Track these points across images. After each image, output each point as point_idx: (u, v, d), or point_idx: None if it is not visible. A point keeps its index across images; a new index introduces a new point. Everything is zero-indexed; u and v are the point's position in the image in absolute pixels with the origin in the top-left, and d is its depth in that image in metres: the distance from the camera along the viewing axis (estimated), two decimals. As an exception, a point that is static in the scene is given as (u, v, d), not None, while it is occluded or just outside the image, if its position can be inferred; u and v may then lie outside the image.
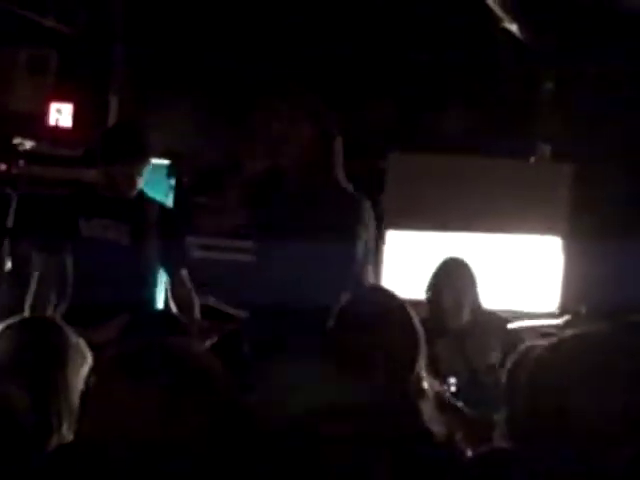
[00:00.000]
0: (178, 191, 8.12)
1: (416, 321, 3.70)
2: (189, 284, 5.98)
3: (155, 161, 7.38)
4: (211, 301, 6.75)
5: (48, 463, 2.94)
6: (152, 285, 6.05)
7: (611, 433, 2.69)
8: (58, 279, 5.86)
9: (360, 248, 5.35)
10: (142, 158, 5.80)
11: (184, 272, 5.97)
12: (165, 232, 5.88)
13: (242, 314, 6.34)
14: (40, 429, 3.38)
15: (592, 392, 2.74)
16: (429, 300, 6.10)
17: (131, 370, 2.52)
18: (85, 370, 3.72)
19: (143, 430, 2.43)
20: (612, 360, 2.78)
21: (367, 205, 5.42)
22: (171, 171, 8.14)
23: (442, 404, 4.24)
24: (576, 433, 2.70)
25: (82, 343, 3.84)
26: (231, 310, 6.75)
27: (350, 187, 5.42)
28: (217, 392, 2.53)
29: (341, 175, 5.38)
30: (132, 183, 5.77)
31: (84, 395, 3.07)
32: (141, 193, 5.93)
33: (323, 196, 5.38)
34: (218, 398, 2.53)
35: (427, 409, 3.62)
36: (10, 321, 4.28)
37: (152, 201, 6.06)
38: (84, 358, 3.74)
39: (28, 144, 6.43)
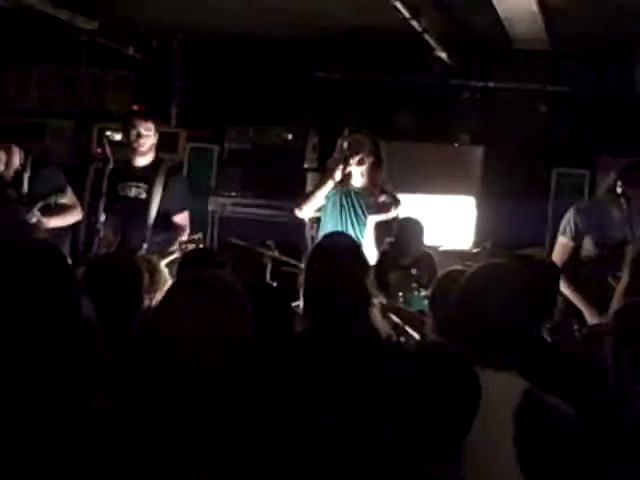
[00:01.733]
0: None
1: (364, 255, 3.77)
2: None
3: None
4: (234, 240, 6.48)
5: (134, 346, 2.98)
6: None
7: (509, 327, 2.80)
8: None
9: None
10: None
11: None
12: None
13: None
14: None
15: (498, 300, 2.84)
16: (390, 244, 6.25)
17: (190, 290, 2.63)
18: (158, 289, 3.87)
19: (199, 329, 2.46)
20: (509, 278, 2.95)
21: (400, 201, 6.12)
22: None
23: (388, 309, 4.57)
24: (489, 326, 2.78)
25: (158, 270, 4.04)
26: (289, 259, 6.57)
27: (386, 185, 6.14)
28: (243, 307, 2.57)
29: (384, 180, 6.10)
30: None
31: (160, 306, 3.13)
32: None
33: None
34: (244, 312, 2.56)
35: (375, 314, 3.61)
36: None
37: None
38: (155, 281, 3.87)
39: (115, 135, 6.21)
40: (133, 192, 6.04)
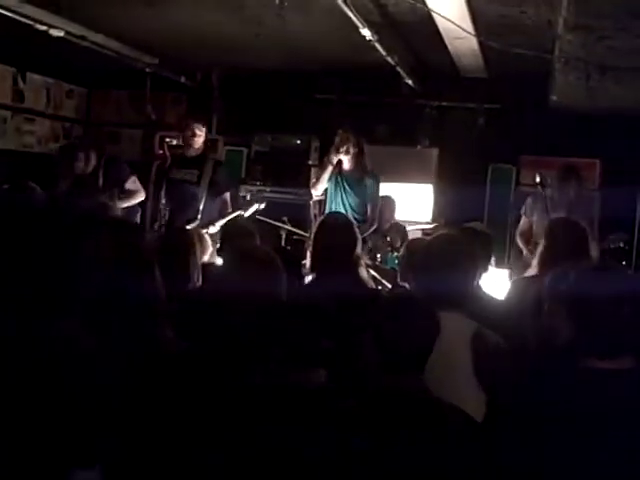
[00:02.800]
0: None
1: (355, 228, 3.76)
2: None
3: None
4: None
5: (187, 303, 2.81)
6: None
7: (458, 279, 2.84)
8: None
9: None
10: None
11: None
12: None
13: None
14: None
15: (450, 259, 2.88)
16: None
17: (242, 257, 2.51)
18: (206, 252, 3.93)
19: (247, 292, 2.34)
20: (458, 245, 3.02)
21: (379, 177, 6.17)
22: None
23: (369, 267, 4.60)
24: (443, 279, 2.79)
25: (203, 237, 4.11)
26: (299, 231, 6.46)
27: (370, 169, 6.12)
28: (279, 273, 2.46)
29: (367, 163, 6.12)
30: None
31: (206, 266, 3.44)
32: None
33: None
34: (280, 277, 2.46)
35: (362, 271, 3.65)
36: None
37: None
38: (203, 247, 3.87)
39: (173, 140, 5.93)
40: (187, 176, 5.96)
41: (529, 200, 6.15)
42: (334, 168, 6.15)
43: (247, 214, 5.91)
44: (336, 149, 6.10)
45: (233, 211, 5.87)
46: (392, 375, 2.29)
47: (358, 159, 6.14)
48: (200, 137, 6.00)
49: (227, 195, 6.07)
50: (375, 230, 6.16)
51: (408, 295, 2.78)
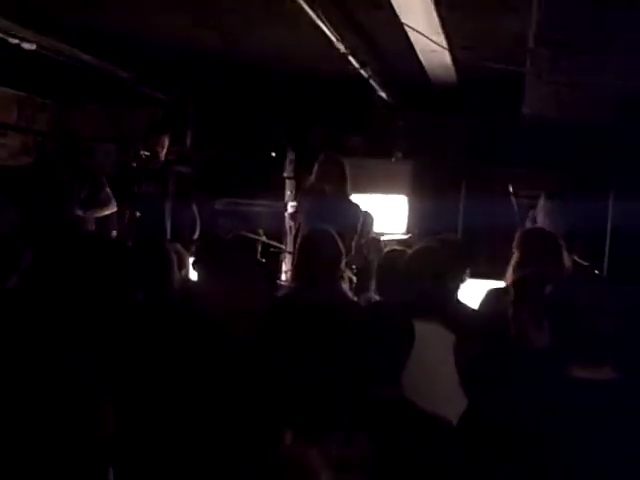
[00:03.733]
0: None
1: (340, 244, 3.77)
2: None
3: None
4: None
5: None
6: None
7: (436, 289, 2.98)
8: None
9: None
10: None
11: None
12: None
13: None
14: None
15: (428, 267, 3.03)
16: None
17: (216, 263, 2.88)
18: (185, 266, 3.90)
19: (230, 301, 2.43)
20: (439, 256, 3.16)
21: (360, 207, 5.95)
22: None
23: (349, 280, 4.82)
24: (429, 289, 2.95)
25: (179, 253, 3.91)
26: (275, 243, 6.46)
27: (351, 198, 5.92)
28: (261, 284, 2.61)
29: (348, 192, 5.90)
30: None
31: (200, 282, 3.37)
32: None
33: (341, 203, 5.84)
34: (261, 287, 2.61)
35: (344, 286, 3.81)
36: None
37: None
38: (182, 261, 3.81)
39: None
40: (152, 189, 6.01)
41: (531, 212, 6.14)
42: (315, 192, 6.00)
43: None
44: (317, 178, 5.94)
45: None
46: (370, 385, 2.30)
47: (341, 185, 5.97)
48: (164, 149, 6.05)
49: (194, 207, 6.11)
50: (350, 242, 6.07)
51: (382, 306, 2.84)
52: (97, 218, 6.13)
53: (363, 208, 6.19)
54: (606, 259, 7.64)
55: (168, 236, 5.71)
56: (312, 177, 6.01)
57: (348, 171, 5.98)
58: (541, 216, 5.84)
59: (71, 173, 6.10)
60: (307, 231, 4.17)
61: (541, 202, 5.98)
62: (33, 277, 2.74)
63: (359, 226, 5.93)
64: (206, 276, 2.83)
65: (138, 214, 6.01)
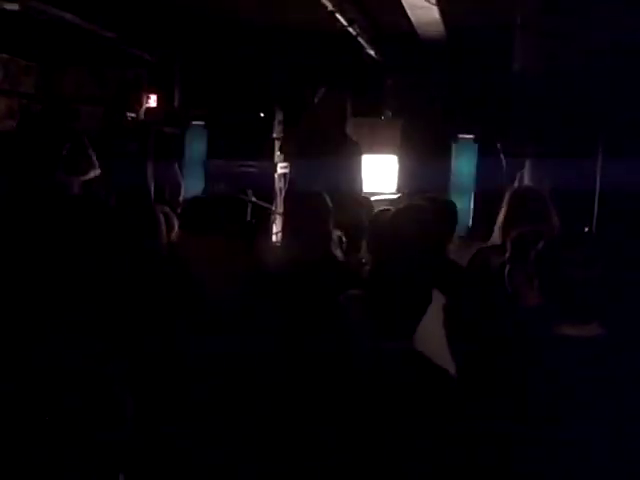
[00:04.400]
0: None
1: (329, 202, 3.60)
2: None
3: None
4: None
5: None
6: None
7: (424, 248, 2.88)
8: None
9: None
10: None
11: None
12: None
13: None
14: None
15: (416, 229, 2.90)
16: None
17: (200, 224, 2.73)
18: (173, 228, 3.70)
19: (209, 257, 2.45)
20: (423, 214, 3.05)
21: (359, 147, 5.72)
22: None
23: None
24: (409, 248, 2.85)
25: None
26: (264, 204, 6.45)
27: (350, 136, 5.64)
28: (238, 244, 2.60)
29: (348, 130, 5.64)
30: None
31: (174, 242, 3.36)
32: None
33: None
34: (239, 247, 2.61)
35: (334, 247, 3.60)
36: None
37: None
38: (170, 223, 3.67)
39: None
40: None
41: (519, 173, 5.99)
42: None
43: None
44: (318, 112, 5.68)
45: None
46: (385, 339, 2.32)
47: (341, 121, 5.68)
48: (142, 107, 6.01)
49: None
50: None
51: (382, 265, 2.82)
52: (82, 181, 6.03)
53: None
54: (594, 218, 7.61)
55: (151, 196, 5.66)
56: (310, 112, 5.84)
57: (349, 107, 5.74)
58: (529, 175, 5.77)
59: (55, 135, 5.99)
60: (295, 192, 4.10)
61: (529, 161, 5.90)
62: (16, 241, 2.63)
63: (355, 181, 5.72)
64: (190, 237, 2.76)
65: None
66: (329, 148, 5.46)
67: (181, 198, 5.64)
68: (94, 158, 6.11)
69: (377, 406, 2.16)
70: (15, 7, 5.88)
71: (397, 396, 2.18)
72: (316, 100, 5.73)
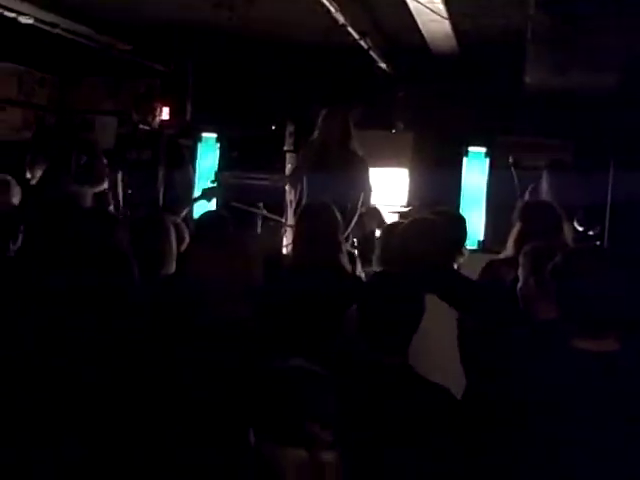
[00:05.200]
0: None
1: (338, 214, 3.71)
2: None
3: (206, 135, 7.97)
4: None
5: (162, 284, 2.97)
6: None
7: (433, 260, 2.91)
8: None
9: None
10: None
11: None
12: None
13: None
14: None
15: (425, 242, 2.95)
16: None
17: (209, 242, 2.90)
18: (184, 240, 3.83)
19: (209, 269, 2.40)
20: (432, 224, 3.14)
21: (366, 163, 5.70)
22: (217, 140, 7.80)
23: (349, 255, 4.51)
24: (427, 261, 2.92)
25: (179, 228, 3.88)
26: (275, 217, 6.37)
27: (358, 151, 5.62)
28: (249, 259, 2.52)
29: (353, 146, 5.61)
30: None
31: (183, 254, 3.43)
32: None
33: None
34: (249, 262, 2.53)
35: (343, 258, 3.67)
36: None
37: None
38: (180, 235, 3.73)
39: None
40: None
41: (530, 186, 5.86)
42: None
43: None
44: (320, 132, 5.66)
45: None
46: (377, 353, 2.28)
47: (345, 138, 5.67)
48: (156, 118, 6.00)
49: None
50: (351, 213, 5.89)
51: (395, 275, 2.75)
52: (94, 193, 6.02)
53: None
54: (606, 231, 7.56)
55: (160, 203, 5.60)
56: (315, 132, 5.76)
57: (352, 124, 5.72)
58: (543, 188, 5.71)
59: (69, 146, 5.95)
60: (305, 204, 4.10)
61: (544, 174, 5.84)
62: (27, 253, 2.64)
63: (363, 195, 5.69)
64: (198, 250, 2.76)
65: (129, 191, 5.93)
66: (335, 164, 5.49)
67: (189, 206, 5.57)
68: (106, 170, 6.09)
69: (369, 420, 2.11)
70: (30, 21, 5.90)
71: (389, 412, 2.14)
72: (320, 119, 5.74)
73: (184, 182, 5.89)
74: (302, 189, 5.74)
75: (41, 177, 5.81)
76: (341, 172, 5.46)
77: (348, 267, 3.77)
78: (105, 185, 6.10)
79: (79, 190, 5.32)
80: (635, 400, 2.02)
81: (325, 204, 3.81)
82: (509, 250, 3.64)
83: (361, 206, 5.83)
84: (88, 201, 5.41)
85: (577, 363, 2.08)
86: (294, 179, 5.96)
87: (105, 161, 6.13)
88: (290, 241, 5.53)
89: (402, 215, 6.39)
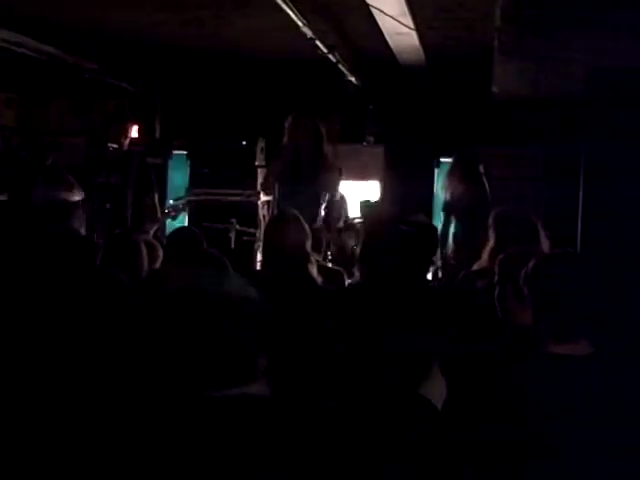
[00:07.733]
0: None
1: (306, 226, 3.70)
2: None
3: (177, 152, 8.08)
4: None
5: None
6: None
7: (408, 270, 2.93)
8: None
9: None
10: None
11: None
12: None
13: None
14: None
15: (393, 249, 2.98)
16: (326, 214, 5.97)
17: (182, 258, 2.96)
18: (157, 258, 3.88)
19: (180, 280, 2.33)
20: (408, 238, 3.09)
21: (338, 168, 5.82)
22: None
23: (320, 267, 4.38)
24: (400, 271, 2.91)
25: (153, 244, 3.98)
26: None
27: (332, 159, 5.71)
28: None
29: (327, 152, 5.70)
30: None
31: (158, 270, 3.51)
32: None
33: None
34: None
35: (312, 269, 3.64)
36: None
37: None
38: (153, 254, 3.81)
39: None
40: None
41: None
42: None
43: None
44: (290, 138, 5.69)
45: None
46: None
47: (317, 144, 5.72)
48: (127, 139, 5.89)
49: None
50: (329, 228, 6.08)
51: (365, 288, 2.82)
52: (62, 214, 5.77)
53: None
54: (578, 240, 7.61)
55: (128, 225, 5.57)
56: (284, 139, 5.77)
57: (323, 129, 5.75)
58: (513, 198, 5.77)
59: (35, 168, 5.87)
60: (272, 216, 4.10)
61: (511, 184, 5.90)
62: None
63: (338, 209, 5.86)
64: (174, 266, 2.74)
65: (108, 206, 5.84)
66: (307, 168, 5.54)
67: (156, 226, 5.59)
68: (73, 183, 5.87)
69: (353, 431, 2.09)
70: (-6, 41, 5.86)
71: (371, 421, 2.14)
72: (286, 127, 5.78)
73: (151, 204, 5.83)
74: (274, 199, 5.76)
75: (7, 200, 5.72)
76: (313, 176, 5.51)
77: (318, 279, 3.74)
78: (72, 197, 5.87)
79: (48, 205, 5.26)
80: (609, 404, 2.03)
81: (293, 215, 3.81)
82: (483, 260, 3.63)
83: (340, 220, 5.91)
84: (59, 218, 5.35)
85: (552, 368, 2.08)
86: (267, 186, 6.00)
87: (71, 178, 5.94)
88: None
89: (347, 226, 6.65)
